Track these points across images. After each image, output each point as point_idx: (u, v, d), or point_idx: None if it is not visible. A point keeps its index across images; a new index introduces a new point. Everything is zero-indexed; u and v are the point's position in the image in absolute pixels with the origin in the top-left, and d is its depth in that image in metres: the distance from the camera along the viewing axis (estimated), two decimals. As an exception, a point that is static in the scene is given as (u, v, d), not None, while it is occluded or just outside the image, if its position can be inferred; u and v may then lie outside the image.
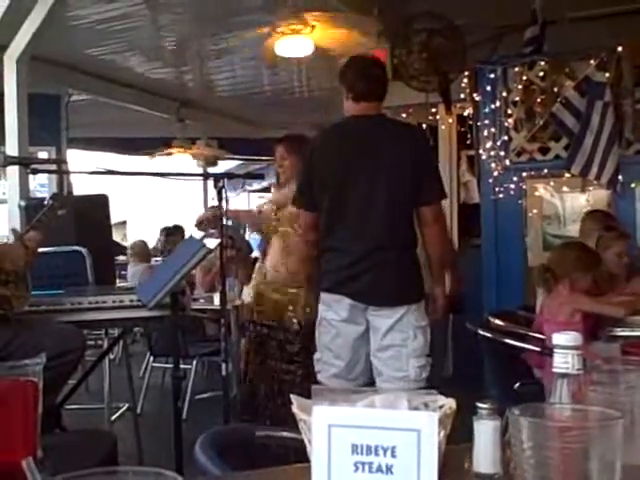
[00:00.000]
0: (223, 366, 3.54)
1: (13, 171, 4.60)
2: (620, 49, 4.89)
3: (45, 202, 3.54)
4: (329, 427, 0.96)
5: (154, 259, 8.15)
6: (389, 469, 0.95)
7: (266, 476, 1.41)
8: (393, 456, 0.94)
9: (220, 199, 3.20)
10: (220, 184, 3.21)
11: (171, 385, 3.45)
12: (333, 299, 3.00)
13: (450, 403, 1.26)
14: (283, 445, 2.02)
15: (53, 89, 7.87)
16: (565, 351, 1.13)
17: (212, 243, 3.33)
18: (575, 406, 1.09)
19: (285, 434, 2.04)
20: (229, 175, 3.94)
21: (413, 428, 0.93)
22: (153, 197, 14.48)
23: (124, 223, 12.53)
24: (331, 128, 3.27)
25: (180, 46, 7.16)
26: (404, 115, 5.84)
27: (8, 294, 3.21)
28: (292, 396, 1.27)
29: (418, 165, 3.03)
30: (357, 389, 1.43)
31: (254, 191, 14.43)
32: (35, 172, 3.81)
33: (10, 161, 3.28)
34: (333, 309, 3.00)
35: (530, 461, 0.95)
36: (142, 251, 8.13)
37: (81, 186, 8.63)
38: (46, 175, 7.85)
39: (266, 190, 13.33)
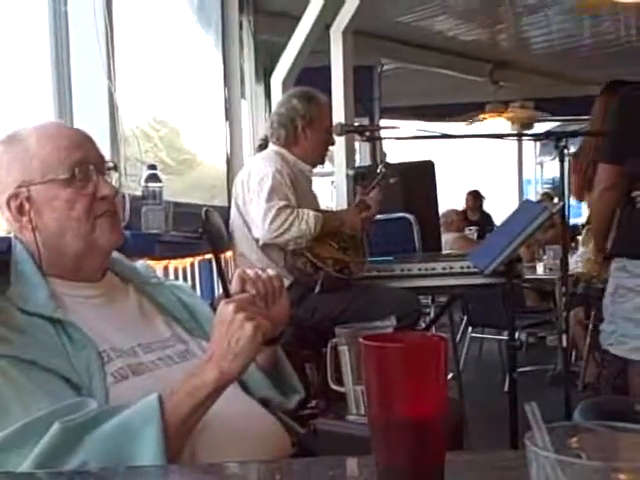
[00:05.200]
0: (563, 337, 3.36)
1: (340, 141, 4.71)
2: None
3: (378, 170, 3.60)
4: None
5: (467, 228, 7.99)
6: None
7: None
8: None
9: (562, 160, 3.02)
10: (562, 143, 3.03)
11: (502, 355, 3.34)
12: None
13: None
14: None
15: (367, 60, 8.04)
16: None
17: (554, 206, 3.12)
18: None
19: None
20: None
21: None
22: (462, 163, 14.34)
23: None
24: None
25: (493, 4, 6.91)
26: None
27: (348, 260, 3.28)
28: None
29: None
30: None
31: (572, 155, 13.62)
32: (370, 139, 3.87)
33: (347, 129, 3.32)
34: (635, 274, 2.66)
35: None
36: (454, 219, 7.98)
37: (391, 155, 8.75)
38: (358, 145, 8.06)
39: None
